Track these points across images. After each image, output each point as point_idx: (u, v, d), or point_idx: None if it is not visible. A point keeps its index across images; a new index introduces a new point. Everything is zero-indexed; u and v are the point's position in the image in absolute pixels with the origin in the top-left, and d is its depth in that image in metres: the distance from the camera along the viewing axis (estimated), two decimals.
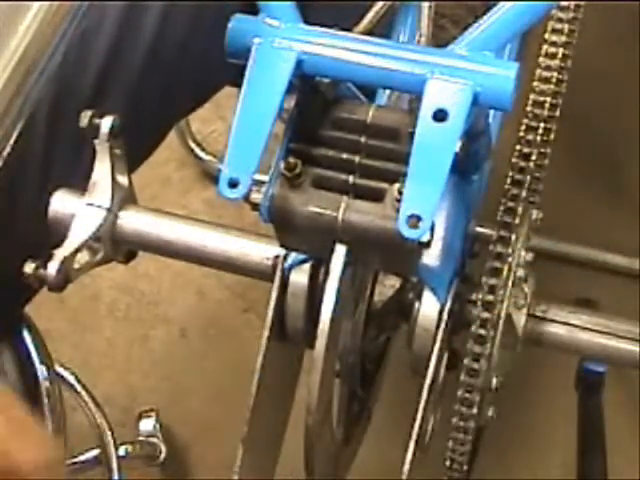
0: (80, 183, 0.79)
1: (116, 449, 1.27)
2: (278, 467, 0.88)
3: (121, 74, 0.91)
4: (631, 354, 0.78)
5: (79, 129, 0.77)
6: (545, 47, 0.92)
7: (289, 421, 0.87)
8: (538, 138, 0.90)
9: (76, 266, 0.76)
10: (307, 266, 0.76)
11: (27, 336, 0.95)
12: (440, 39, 0.75)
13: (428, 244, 0.68)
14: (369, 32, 0.72)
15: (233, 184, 0.64)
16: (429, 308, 0.77)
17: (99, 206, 0.77)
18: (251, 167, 0.64)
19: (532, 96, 0.91)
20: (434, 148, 0.63)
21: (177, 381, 1.46)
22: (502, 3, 0.68)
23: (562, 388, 1.25)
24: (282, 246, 0.73)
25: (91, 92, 0.90)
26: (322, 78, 0.68)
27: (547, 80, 0.91)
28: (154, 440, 1.38)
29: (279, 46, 0.67)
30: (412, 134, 0.64)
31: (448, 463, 0.89)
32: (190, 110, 1.03)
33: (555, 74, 0.91)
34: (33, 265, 0.74)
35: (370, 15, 0.74)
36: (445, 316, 0.76)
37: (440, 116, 0.63)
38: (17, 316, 0.96)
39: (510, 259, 0.80)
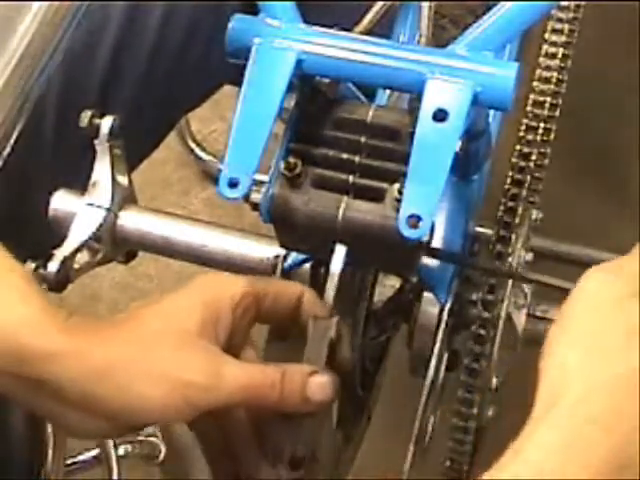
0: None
1: (116, 448, 1.27)
2: None
3: (125, 75, 0.92)
4: None
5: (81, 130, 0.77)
6: (545, 47, 0.92)
7: None
8: (538, 138, 0.90)
9: (76, 266, 0.76)
10: (307, 266, 0.76)
11: None
12: (440, 39, 0.75)
13: (428, 244, 0.68)
14: (369, 32, 0.72)
15: (233, 184, 0.64)
16: (429, 308, 0.77)
17: (99, 206, 0.77)
18: (251, 167, 0.64)
19: (532, 96, 0.91)
20: (434, 148, 0.63)
21: None
22: (502, 3, 0.68)
23: None
24: (282, 246, 0.73)
25: (96, 94, 0.91)
26: (322, 78, 0.68)
27: (547, 80, 0.91)
28: (154, 439, 1.38)
29: (279, 46, 0.67)
30: (412, 134, 0.64)
31: (448, 463, 0.89)
32: (190, 108, 1.04)
33: (555, 74, 0.91)
34: (33, 265, 0.74)
35: (370, 15, 0.74)
36: (445, 316, 0.76)
37: (440, 116, 0.63)
38: None
39: (510, 259, 0.80)
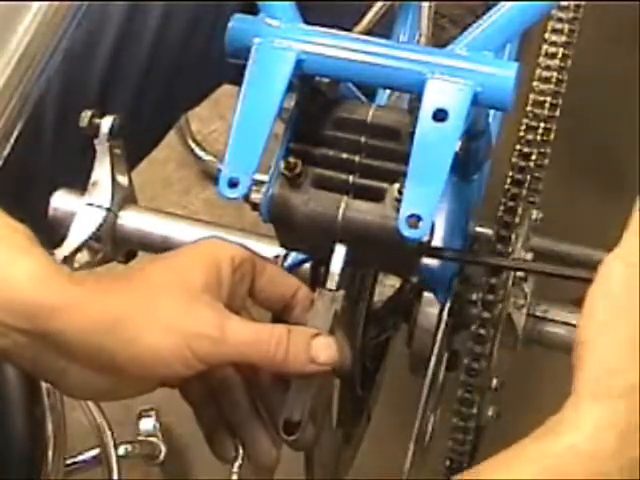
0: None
1: (116, 448, 1.27)
2: (278, 467, 0.88)
3: (124, 75, 0.92)
4: None
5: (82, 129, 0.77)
6: (545, 47, 0.92)
7: None
8: (538, 138, 0.90)
9: (76, 266, 0.76)
10: (307, 266, 0.76)
11: None
12: (440, 39, 0.75)
13: (428, 244, 0.68)
14: (369, 32, 0.72)
15: (233, 184, 0.64)
16: (429, 308, 0.77)
17: (99, 206, 0.77)
18: (251, 167, 0.64)
19: (532, 96, 0.91)
20: (434, 148, 0.63)
21: None
22: (502, 3, 0.68)
23: (562, 388, 1.25)
24: (282, 246, 0.73)
25: (96, 94, 0.91)
26: (322, 78, 0.68)
27: (547, 80, 0.91)
28: (154, 439, 1.38)
29: (279, 46, 0.67)
30: (412, 134, 0.64)
31: (448, 463, 0.89)
32: (189, 108, 1.04)
33: (555, 74, 0.91)
34: None
35: (370, 15, 0.74)
36: (445, 316, 0.76)
37: (440, 116, 0.63)
38: None
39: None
